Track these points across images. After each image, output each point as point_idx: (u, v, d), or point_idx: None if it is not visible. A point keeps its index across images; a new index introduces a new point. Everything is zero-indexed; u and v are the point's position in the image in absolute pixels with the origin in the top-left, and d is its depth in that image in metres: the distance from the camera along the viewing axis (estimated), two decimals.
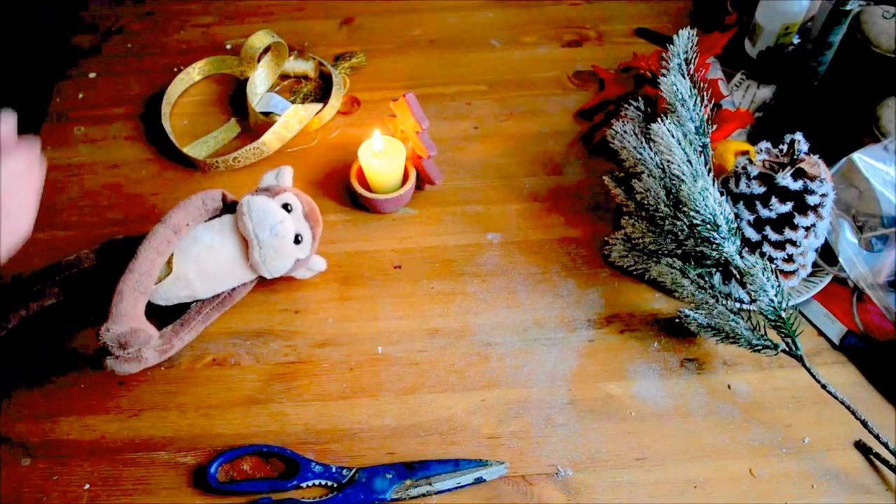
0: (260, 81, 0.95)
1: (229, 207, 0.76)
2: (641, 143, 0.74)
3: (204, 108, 0.96)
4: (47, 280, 0.72)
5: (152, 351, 0.70)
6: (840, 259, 0.76)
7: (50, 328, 0.75)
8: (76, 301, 0.73)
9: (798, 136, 0.70)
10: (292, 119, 0.88)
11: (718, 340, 0.72)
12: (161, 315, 0.73)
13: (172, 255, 0.71)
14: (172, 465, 0.68)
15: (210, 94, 0.98)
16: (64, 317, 0.75)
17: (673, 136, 0.68)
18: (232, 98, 0.97)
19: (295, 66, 0.98)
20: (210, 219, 0.75)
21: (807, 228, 0.71)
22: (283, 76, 0.99)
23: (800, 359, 0.69)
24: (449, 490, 0.66)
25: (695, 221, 0.68)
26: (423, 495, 0.66)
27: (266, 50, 0.94)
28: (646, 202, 0.74)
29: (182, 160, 0.90)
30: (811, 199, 0.69)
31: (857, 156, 0.76)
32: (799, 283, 0.77)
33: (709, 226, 0.68)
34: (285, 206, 0.74)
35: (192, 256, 0.72)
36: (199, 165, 0.88)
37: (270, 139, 0.88)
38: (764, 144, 0.72)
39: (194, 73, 0.98)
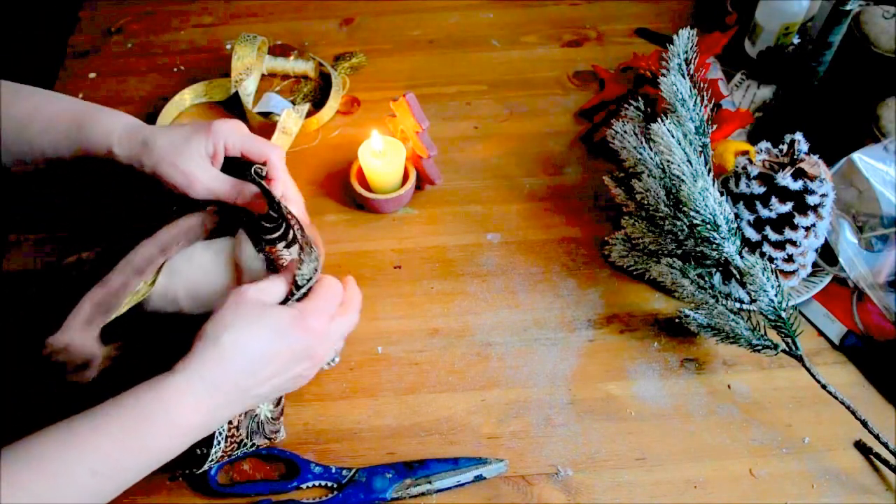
0: (249, 82, 0.95)
1: (231, 211, 0.74)
2: (641, 143, 0.74)
3: (204, 109, 0.96)
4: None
5: (95, 371, 0.64)
6: (840, 259, 0.76)
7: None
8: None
9: (798, 136, 0.70)
10: (288, 122, 0.87)
11: (718, 340, 0.72)
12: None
13: (160, 270, 0.65)
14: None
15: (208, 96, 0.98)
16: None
17: (673, 136, 0.68)
18: (230, 99, 0.96)
19: (295, 66, 0.98)
20: (209, 236, 0.69)
21: (807, 228, 0.71)
22: (284, 76, 0.99)
23: (800, 359, 0.69)
24: (449, 488, 0.66)
25: (695, 221, 0.68)
26: (423, 494, 0.66)
27: None
28: (646, 202, 0.74)
29: None
30: (811, 199, 0.69)
31: (857, 156, 0.76)
32: (799, 283, 0.77)
33: (709, 226, 0.68)
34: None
35: (184, 276, 0.66)
36: None
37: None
38: (764, 144, 0.72)
39: (187, 99, 0.95)
